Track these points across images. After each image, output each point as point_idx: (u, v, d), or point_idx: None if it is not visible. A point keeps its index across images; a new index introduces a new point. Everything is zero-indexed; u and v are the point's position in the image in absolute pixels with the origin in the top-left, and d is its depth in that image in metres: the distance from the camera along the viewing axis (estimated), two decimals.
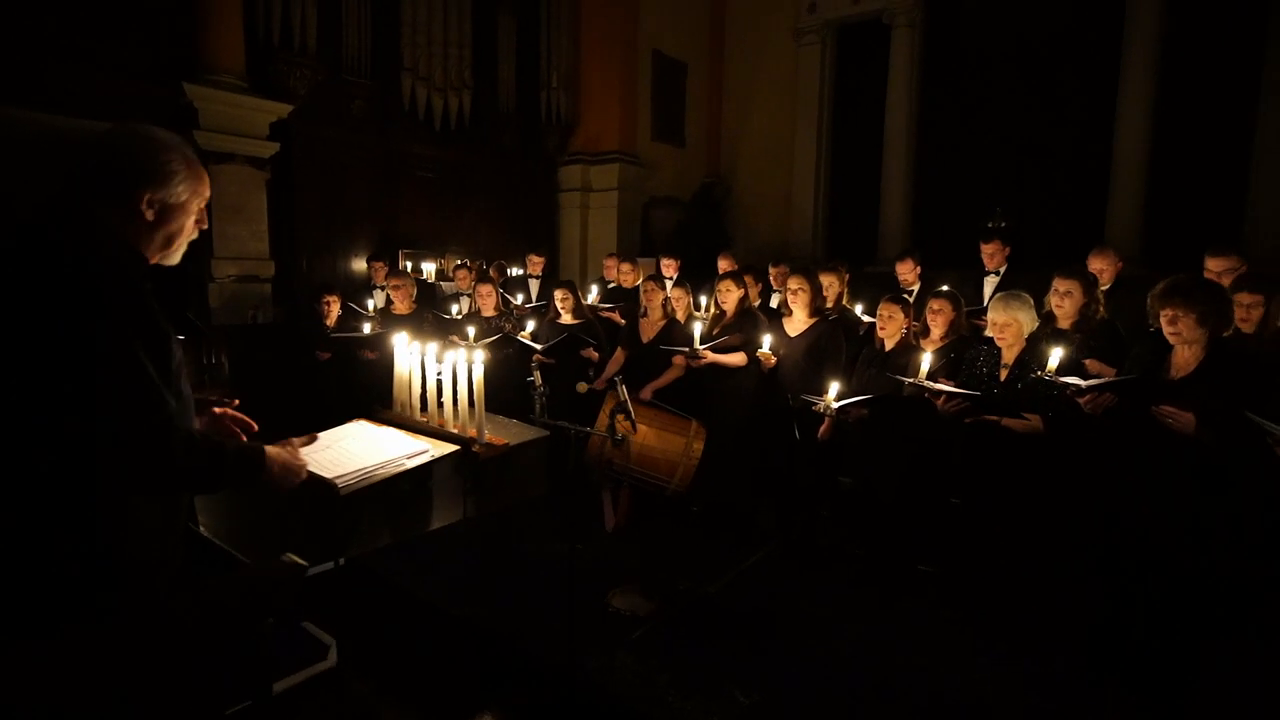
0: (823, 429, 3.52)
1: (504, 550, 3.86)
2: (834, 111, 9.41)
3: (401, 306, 4.78)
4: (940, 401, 2.92)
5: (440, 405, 2.05)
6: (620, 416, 3.32)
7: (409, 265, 6.95)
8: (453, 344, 3.06)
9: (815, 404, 3.22)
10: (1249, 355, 2.54)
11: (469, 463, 1.82)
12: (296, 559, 1.16)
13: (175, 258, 1.47)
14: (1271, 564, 2.57)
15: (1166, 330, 2.41)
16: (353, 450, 1.82)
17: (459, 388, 1.99)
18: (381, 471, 1.71)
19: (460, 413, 2.00)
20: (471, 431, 1.96)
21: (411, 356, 2.10)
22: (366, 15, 6.76)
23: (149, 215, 1.36)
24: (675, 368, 3.96)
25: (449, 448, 1.86)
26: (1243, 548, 2.50)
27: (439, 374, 2.02)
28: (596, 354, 4.38)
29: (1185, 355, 2.44)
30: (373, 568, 3.64)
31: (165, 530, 1.25)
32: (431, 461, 1.78)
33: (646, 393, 3.94)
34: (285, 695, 1.64)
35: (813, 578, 3.53)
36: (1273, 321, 2.94)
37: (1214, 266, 3.23)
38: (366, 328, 4.60)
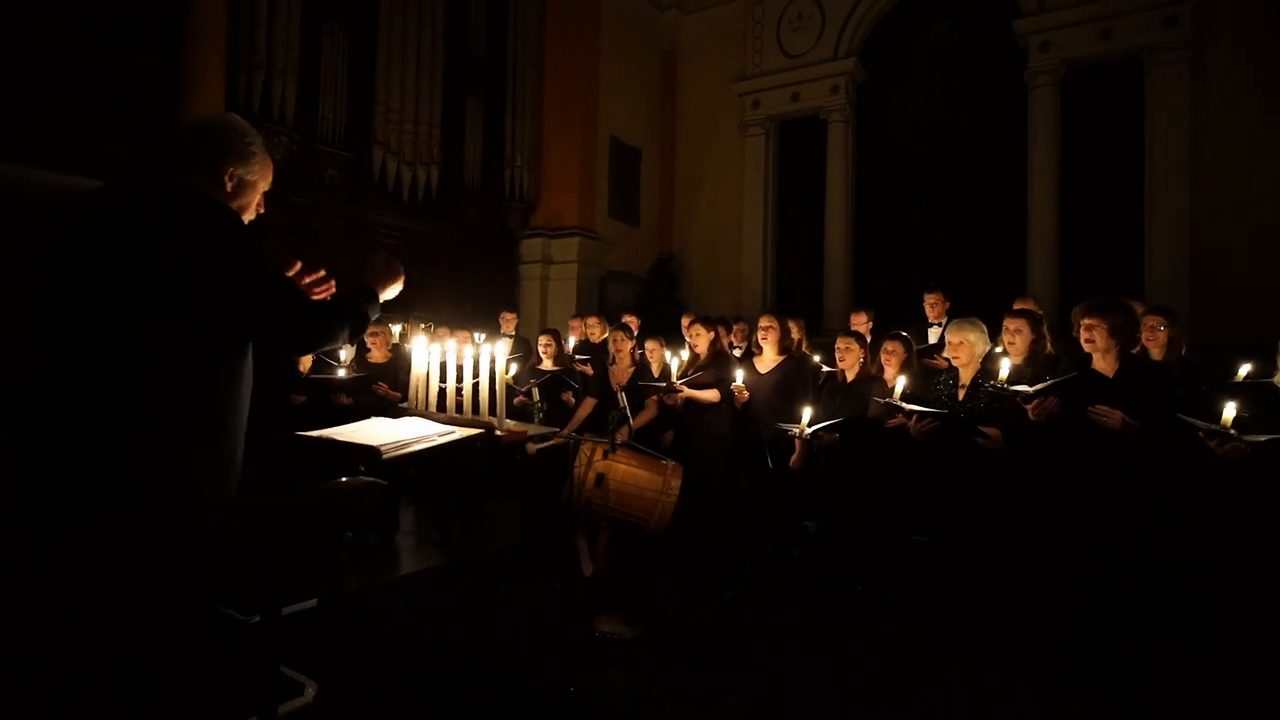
0: (794, 458, 3.73)
1: (481, 593, 3.84)
2: (778, 194, 10.18)
3: (378, 355, 4.86)
4: (913, 422, 3.18)
5: (460, 398, 2.17)
6: (600, 453, 3.46)
7: None
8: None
9: (791, 430, 3.45)
10: (1158, 367, 2.92)
11: (492, 443, 1.94)
12: (375, 479, 1.27)
13: None
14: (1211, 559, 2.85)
15: (1083, 339, 2.79)
16: (385, 430, 1.92)
17: (479, 381, 2.13)
18: (418, 444, 1.82)
19: (481, 405, 2.13)
20: (492, 420, 2.09)
21: (430, 356, 2.23)
22: (343, 91, 7.12)
23: (229, 186, 1.56)
24: (649, 409, 4.14)
25: (474, 430, 1.98)
26: (1181, 549, 2.78)
27: (459, 368, 2.16)
28: (573, 399, 4.52)
29: (1101, 365, 2.80)
30: (350, 611, 3.57)
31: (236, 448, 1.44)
32: (461, 439, 1.90)
33: (622, 434, 4.09)
34: None
35: (789, 609, 3.65)
36: (1176, 349, 3.38)
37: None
38: (340, 373, 4.62)
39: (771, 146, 10.14)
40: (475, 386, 2.17)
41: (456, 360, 2.18)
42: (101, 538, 1.20)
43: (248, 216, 1.64)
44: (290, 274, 1.70)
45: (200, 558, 1.16)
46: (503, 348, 2.12)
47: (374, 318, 1.65)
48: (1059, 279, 7.82)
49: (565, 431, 4.27)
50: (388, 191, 7.61)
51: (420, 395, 2.26)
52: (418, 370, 2.27)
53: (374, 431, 1.91)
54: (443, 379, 2.20)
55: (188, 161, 1.51)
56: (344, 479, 1.26)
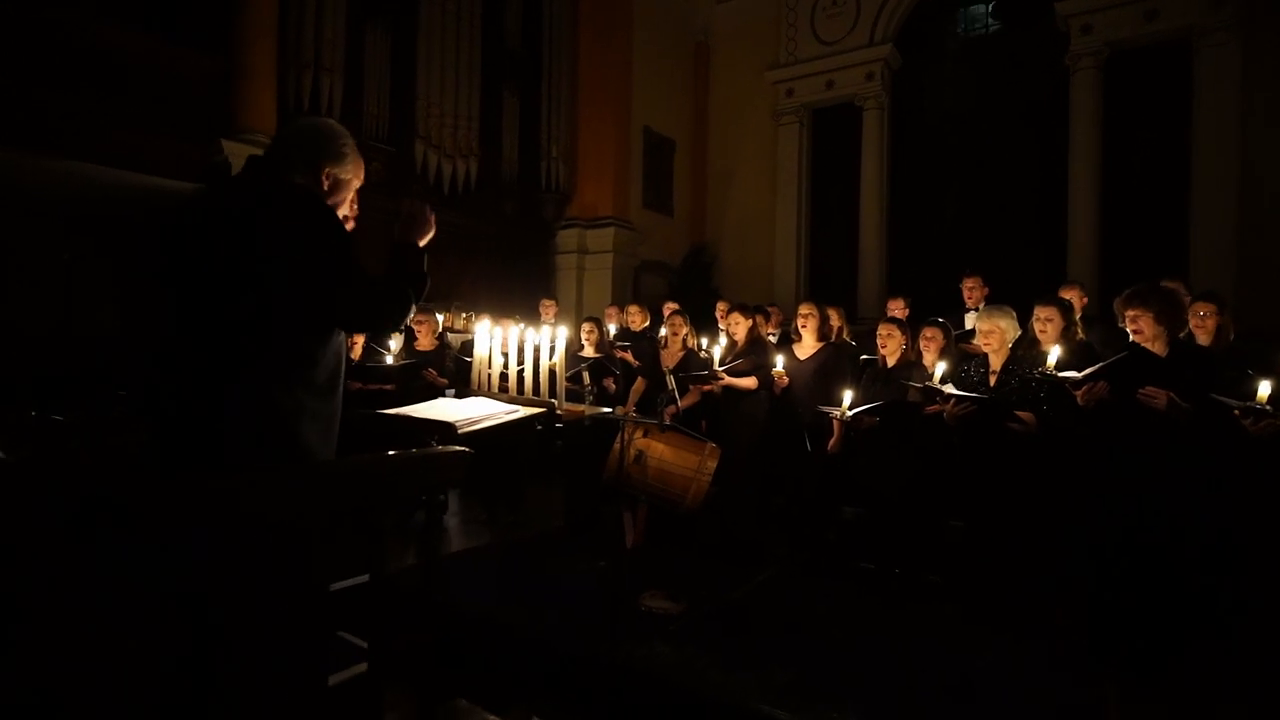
0: (833, 441, 3.81)
1: (528, 569, 3.99)
2: (812, 183, 10.15)
3: (424, 342, 5.04)
4: (950, 405, 3.24)
5: (521, 384, 2.31)
6: (640, 432, 3.59)
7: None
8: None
9: (832, 413, 3.52)
10: (1206, 351, 2.93)
11: (553, 421, 2.07)
12: (462, 448, 1.41)
13: None
14: (1245, 551, 2.87)
15: (1131, 330, 2.81)
16: (454, 409, 2.06)
17: (540, 365, 2.26)
18: (488, 421, 1.95)
19: (542, 388, 2.26)
20: (553, 400, 2.22)
21: (493, 340, 2.37)
22: (386, 86, 7.31)
23: (325, 185, 1.70)
24: (692, 394, 4.25)
25: (537, 409, 2.11)
26: (1218, 535, 2.80)
27: (520, 364, 2.29)
28: (615, 385, 4.66)
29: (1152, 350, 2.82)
30: (403, 585, 3.75)
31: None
32: (525, 417, 2.03)
33: (665, 417, 4.21)
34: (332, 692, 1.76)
35: (826, 589, 3.73)
36: (1225, 336, 3.37)
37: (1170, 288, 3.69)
38: (388, 360, 4.80)
39: (805, 135, 10.11)
40: (521, 373, 2.30)
41: (518, 343, 2.31)
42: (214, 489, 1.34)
43: (341, 212, 1.78)
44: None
45: (311, 515, 1.30)
46: (564, 331, 2.24)
47: (426, 272, 1.73)
48: (1099, 266, 7.70)
49: (628, 406, 4.40)
50: (428, 184, 7.78)
51: (482, 377, 2.40)
52: (480, 353, 2.41)
53: (446, 410, 2.05)
54: (504, 364, 2.34)
55: (288, 162, 1.65)
56: (437, 447, 1.39)
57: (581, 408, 2.23)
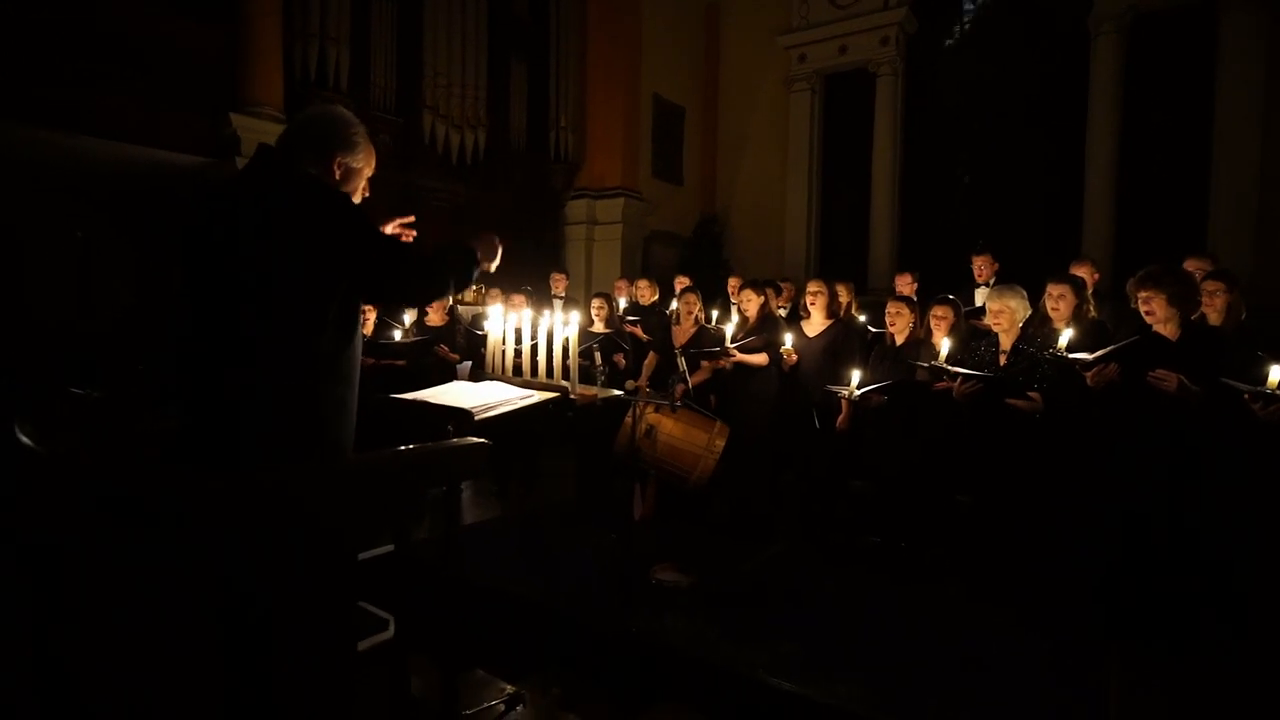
0: (841, 418, 3.84)
1: (540, 541, 4.08)
2: (823, 152, 10.02)
3: (435, 318, 5.09)
4: (957, 384, 3.26)
5: (534, 367, 2.35)
6: (651, 407, 3.64)
7: None
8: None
9: (840, 392, 3.55)
10: (1217, 333, 2.93)
11: (568, 406, 2.11)
12: (481, 439, 1.45)
13: None
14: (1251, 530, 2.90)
15: (1143, 311, 2.80)
16: (471, 394, 2.11)
17: (553, 349, 2.30)
18: (503, 407, 2.00)
19: (555, 372, 2.30)
20: (566, 384, 2.26)
21: (506, 325, 2.41)
22: (393, 57, 7.23)
23: (337, 174, 1.72)
24: (704, 370, 4.29)
25: (550, 394, 2.16)
26: (1224, 516, 2.83)
27: (534, 339, 2.33)
28: (624, 360, 4.70)
29: (1164, 333, 2.82)
30: (421, 557, 3.85)
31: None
32: (539, 402, 2.08)
33: (678, 392, 4.25)
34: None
35: (833, 562, 3.80)
36: (1236, 314, 3.36)
37: (1190, 266, 3.68)
38: (397, 335, 4.84)
39: (817, 102, 9.94)
40: (535, 347, 2.34)
41: (531, 325, 2.34)
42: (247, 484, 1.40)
43: (355, 200, 1.80)
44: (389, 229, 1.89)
45: (345, 507, 1.36)
46: (575, 316, 2.27)
47: (475, 276, 1.82)
48: (1115, 239, 7.62)
49: (641, 381, 4.44)
50: (437, 156, 7.75)
51: (496, 360, 2.44)
52: (493, 336, 2.45)
53: (462, 395, 2.10)
54: (517, 342, 2.37)
55: (300, 152, 1.67)
56: (458, 439, 1.44)
57: (594, 391, 2.27)
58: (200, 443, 1.54)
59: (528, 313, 2.40)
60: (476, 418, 1.89)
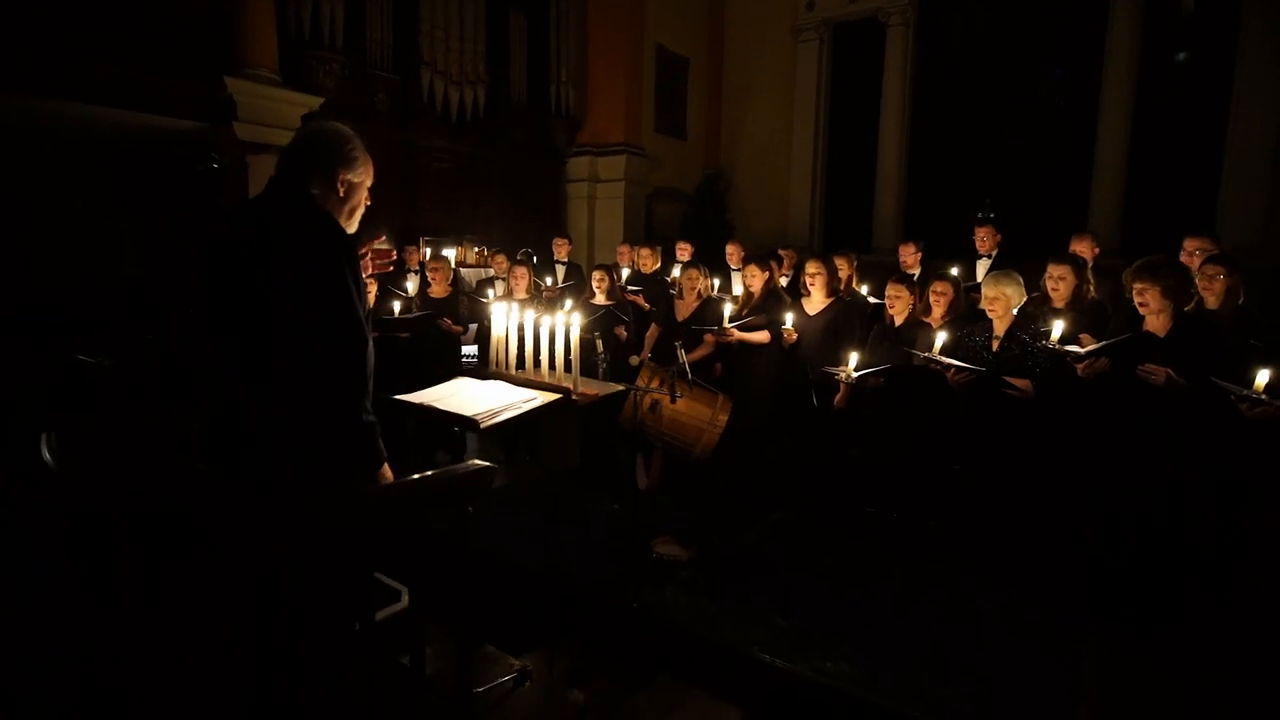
0: (839, 397, 3.91)
1: (545, 512, 4.20)
2: (830, 106, 9.80)
3: (438, 289, 5.11)
4: (950, 374, 3.31)
5: (538, 363, 2.40)
6: (656, 382, 3.70)
7: (428, 252, 7.23)
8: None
9: (837, 374, 3.60)
10: (1208, 325, 2.95)
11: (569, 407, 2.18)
12: (489, 463, 1.53)
13: (353, 227, 1.86)
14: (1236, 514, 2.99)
15: (1136, 302, 2.83)
16: (475, 396, 2.17)
17: (556, 347, 2.35)
18: (507, 411, 2.07)
19: (557, 368, 2.36)
20: (567, 383, 2.32)
21: (509, 320, 2.45)
22: (389, 11, 7.03)
23: (341, 191, 1.76)
24: (705, 345, 4.33)
25: (553, 395, 2.22)
26: (1211, 499, 2.91)
27: (535, 336, 2.37)
28: (626, 333, 4.74)
29: (1154, 324, 2.85)
30: (429, 527, 3.98)
31: None
32: (542, 405, 2.14)
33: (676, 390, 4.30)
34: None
35: (830, 533, 3.93)
36: (1233, 298, 3.36)
37: (1190, 246, 3.66)
38: (397, 307, 4.85)
39: (825, 53, 9.68)
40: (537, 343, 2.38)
41: (534, 323, 2.39)
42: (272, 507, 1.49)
43: (359, 213, 1.84)
44: (362, 252, 1.93)
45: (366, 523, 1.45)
46: (578, 318, 2.31)
47: (378, 462, 1.71)
48: (1123, 203, 7.52)
49: (644, 353, 4.49)
50: (436, 114, 7.62)
51: (500, 357, 2.50)
52: (497, 333, 2.50)
53: (466, 398, 2.16)
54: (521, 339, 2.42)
55: (308, 173, 1.71)
56: (466, 463, 1.52)
57: (595, 389, 2.33)
58: (226, 448, 1.63)
59: (530, 312, 2.44)
60: (482, 425, 1.96)
